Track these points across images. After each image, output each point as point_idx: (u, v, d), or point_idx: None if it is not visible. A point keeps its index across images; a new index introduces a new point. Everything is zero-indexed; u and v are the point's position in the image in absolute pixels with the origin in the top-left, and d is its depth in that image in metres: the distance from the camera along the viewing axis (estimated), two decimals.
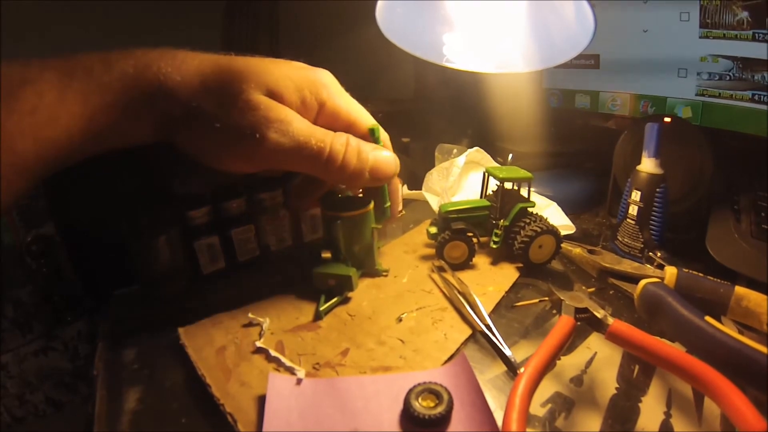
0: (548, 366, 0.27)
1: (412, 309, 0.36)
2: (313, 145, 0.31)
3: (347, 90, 0.35)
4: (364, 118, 0.36)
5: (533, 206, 0.43)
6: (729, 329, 0.27)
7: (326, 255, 0.37)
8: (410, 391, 0.25)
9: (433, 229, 0.44)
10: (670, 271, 0.35)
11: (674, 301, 0.30)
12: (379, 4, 0.37)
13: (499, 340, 0.31)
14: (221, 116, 0.29)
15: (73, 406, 0.70)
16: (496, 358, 0.31)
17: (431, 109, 0.75)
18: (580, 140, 0.67)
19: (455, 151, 0.59)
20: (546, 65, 0.42)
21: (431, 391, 0.25)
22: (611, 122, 0.61)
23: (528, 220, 0.41)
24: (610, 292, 0.39)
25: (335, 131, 0.33)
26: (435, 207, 0.51)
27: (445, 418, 0.24)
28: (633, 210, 0.43)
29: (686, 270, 0.35)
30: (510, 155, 0.64)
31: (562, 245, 0.42)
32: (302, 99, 0.31)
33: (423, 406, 0.25)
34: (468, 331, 0.33)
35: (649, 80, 0.53)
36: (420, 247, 0.47)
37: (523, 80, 0.63)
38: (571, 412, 0.26)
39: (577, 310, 0.31)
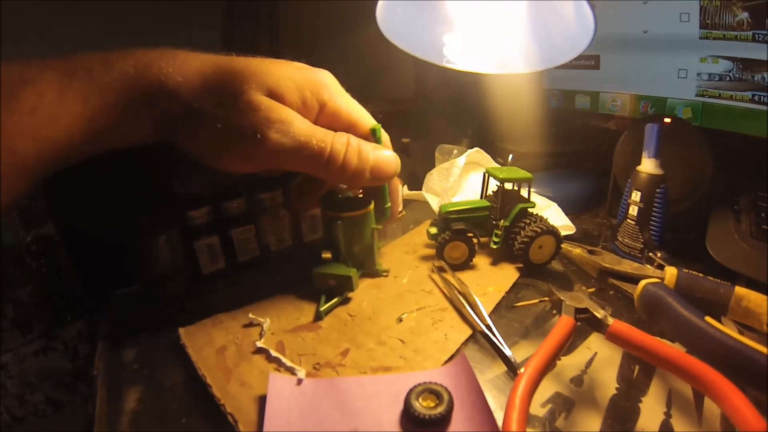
0: (548, 366, 0.27)
1: (412, 309, 0.36)
2: (314, 145, 0.31)
3: (347, 90, 0.35)
4: (364, 118, 0.36)
5: (533, 207, 0.43)
6: (729, 329, 0.27)
7: (326, 255, 0.37)
8: (410, 391, 0.25)
9: (434, 230, 0.44)
10: (670, 272, 0.35)
11: (674, 301, 0.30)
12: (379, 4, 0.37)
13: (499, 340, 0.31)
14: (222, 116, 0.29)
15: (73, 406, 0.70)
16: (496, 359, 0.31)
17: (431, 109, 0.75)
18: (580, 141, 0.67)
19: (455, 151, 0.59)
20: (546, 66, 0.42)
21: (431, 391, 0.25)
22: (611, 123, 0.61)
23: (528, 221, 0.42)
24: (610, 293, 0.39)
25: (336, 132, 0.33)
26: (435, 207, 0.51)
27: (445, 418, 0.24)
28: (633, 210, 0.43)
29: (686, 270, 0.35)
30: (510, 156, 0.64)
31: (562, 246, 0.42)
32: (303, 99, 0.31)
33: (423, 406, 0.25)
34: (468, 332, 0.33)
35: (649, 81, 0.53)
36: (420, 247, 0.47)
37: (523, 81, 0.63)
38: (571, 412, 0.26)
39: (577, 311, 0.31)
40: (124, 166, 0.34)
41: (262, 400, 0.26)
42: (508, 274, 0.42)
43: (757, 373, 0.25)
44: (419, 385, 0.26)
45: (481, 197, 0.47)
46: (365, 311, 0.36)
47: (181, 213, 0.37)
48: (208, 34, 0.76)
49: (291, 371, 0.28)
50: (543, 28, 0.39)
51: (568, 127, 0.67)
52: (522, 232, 0.41)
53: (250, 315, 0.34)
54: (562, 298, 0.32)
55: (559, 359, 0.30)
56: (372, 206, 0.39)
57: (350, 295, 0.38)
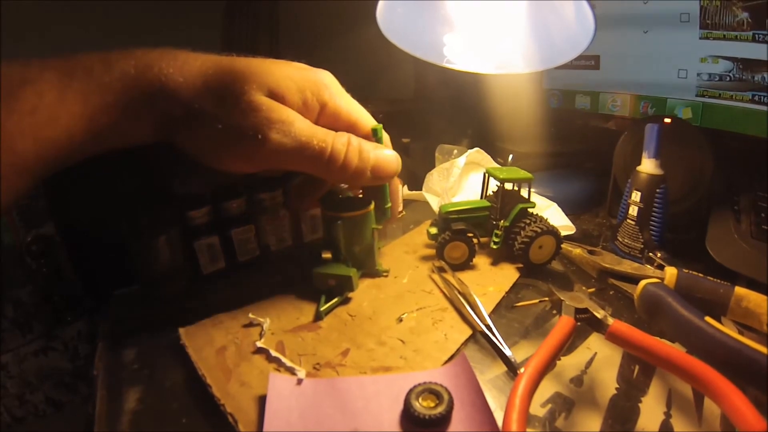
0: (548, 366, 0.27)
1: (412, 309, 0.36)
2: (315, 145, 0.31)
3: (347, 90, 0.35)
4: (365, 118, 0.36)
5: (533, 207, 0.43)
6: (729, 329, 0.27)
7: (326, 255, 0.37)
8: (410, 391, 0.25)
9: (434, 230, 0.44)
10: (670, 272, 0.35)
11: (674, 301, 0.30)
12: (380, 5, 0.37)
13: (499, 340, 0.31)
14: (223, 117, 0.29)
15: (73, 406, 0.70)
16: (496, 359, 0.31)
17: (431, 109, 0.75)
18: (580, 141, 0.67)
19: (455, 151, 0.59)
20: (546, 66, 0.42)
21: (431, 391, 0.25)
22: (611, 123, 0.61)
23: (528, 221, 0.42)
24: (610, 293, 0.39)
25: (336, 132, 0.33)
26: (435, 207, 0.51)
27: (445, 418, 0.24)
28: (633, 210, 0.43)
29: (686, 270, 0.35)
30: (510, 156, 0.64)
31: (562, 246, 0.42)
32: (304, 100, 0.31)
33: (423, 406, 0.25)
34: (468, 332, 0.33)
35: (649, 81, 0.53)
36: (420, 247, 0.47)
37: (523, 81, 0.63)
38: (571, 413, 0.26)
39: (577, 311, 0.31)
40: (124, 166, 0.34)
41: (262, 400, 0.26)
42: (508, 274, 0.42)
43: (757, 373, 0.25)
44: (419, 385, 0.26)
45: (481, 197, 0.47)
46: (365, 311, 0.36)
47: (181, 213, 0.37)
48: (208, 34, 0.76)
49: (291, 371, 0.28)
50: (543, 28, 0.39)
51: (568, 127, 0.67)
52: (522, 232, 0.41)
53: (250, 315, 0.34)
54: (562, 298, 0.32)
55: (559, 359, 0.30)
56: (372, 206, 0.39)
57: (350, 295, 0.38)
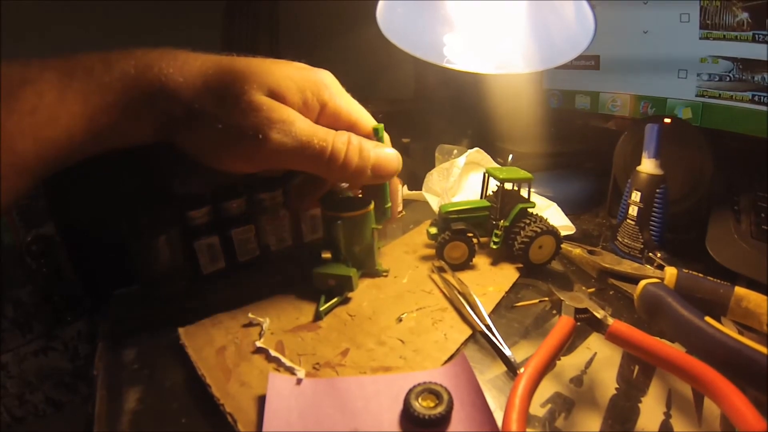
0: (548, 366, 0.27)
1: (412, 309, 0.36)
2: (316, 145, 0.31)
3: (347, 90, 0.35)
4: (365, 118, 0.36)
5: (533, 207, 0.43)
6: (729, 330, 0.27)
7: (326, 255, 0.37)
8: (410, 391, 0.25)
9: (433, 230, 0.44)
10: (670, 272, 0.35)
11: (674, 301, 0.30)
12: (380, 5, 0.37)
13: (499, 340, 0.31)
14: (223, 117, 0.29)
15: (73, 406, 0.70)
16: (496, 359, 0.31)
17: (431, 109, 0.75)
18: (580, 141, 0.67)
19: (455, 151, 0.59)
20: (546, 66, 0.42)
21: (431, 391, 0.25)
22: (611, 123, 0.61)
23: (528, 221, 0.42)
24: (610, 293, 0.39)
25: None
26: (435, 207, 0.51)
27: (445, 418, 0.24)
28: (633, 210, 0.43)
29: (686, 270, 0.35)
30: (510, 156, 0.64)
31: (562, 246, 0.42)
32: (304, 100, 0.31)
33: (423, 406, 0.25)
34: (468, 332, 0.33)
35: (649, 81, 0.53)
36: (420, 247, 0.47)
37: (523, 81, 0.63)
38: (571, 413, 0.26)
39: (577, 311, 0.31)
40: (124, 166, 0.34)
41: (261, 400, 0.26)
42: (508, 274, 0.42)
43: (757, 373, 0.25)
44: (419, 385, 0.26)
45: (481, 197, 0.47)
46: (365, 311, 0.36)
47: (181, 213, 0.37)
48: (208, 34, 0.76)
49: (290, 371, 0.28)
50: (543, 28, 0.39)
51: (568, 127, 0.67)
52: (522, 232, 0.41)
53: (250, 315, 0.34)
54: (562, 298, 0.32)
55: (559, 359, 0.30)
56: (372, 206, 0.39)
57: (350, 295, 0.38)
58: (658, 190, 0.41)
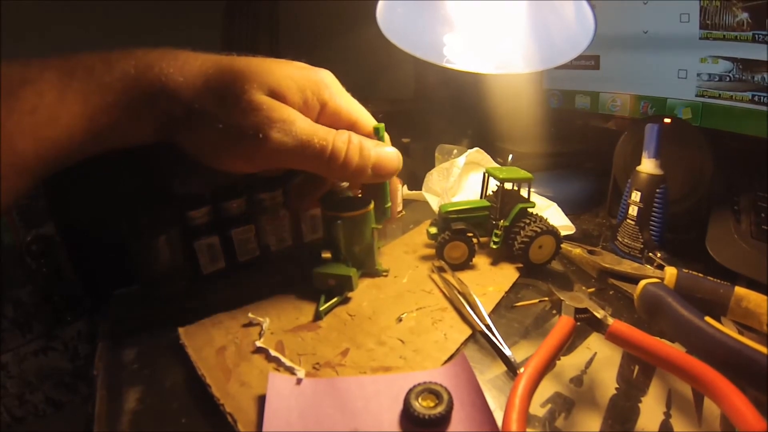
0: (548, 366, 0.27)
1: (412, 309, 0.36)
2: (316, 144, 0.31)
3: (348, 90, 0.35)
4: (365, 118, 0.36)
5: (533, 207, 0.43)
6: (729, 330, 0.27)
7: (326, 255, 0.37)
8: (410, 391, 0.25)
9: (433, 230, 0.44)
10: (670, 272, 0.35)
11: (674, 301, 0.30)
12: (380, 4, 0.37)
13: (499, 340, 0.31)
14: (223, 117, 0.29)
15: (73, 406, 0.70)
16: (496, 358, 0.31)
17: (431, 109, 0.75)
18: (580, 141, 0.67)
19: (455, 151, 0.59)
20: (546, 66, 0.42)
21: (431, 391, 0.25)
22: (611, 123, 0.61)
23: (528, 221, 0.42)
24: (610, 293, 0.39)
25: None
26: (435, 207, 0.51)
27: (445, 418, 0.24)
28: (633, 210, 0.43)
29: (686, 270, 0.35)
30: (510, 156, 0.64)
31: (562, 246, 0.42)
32: (304, 99, 0.31)
33: (423, 406, 0.25)
34: (468, 331, 0.33)
35: (649, 81, 0.53)
36: (420, 247, 0.47)
37: (523, 81, 0.63)
38: (571, 412, 0.26)
39: (577, 311, 0.31)
40: (124, 166, 0.34)
41: (261, 400, 0.26)
42: (508, 274, 0.42)
43: (757, 373, 0.25)
44: (419, 385, 0.26)
45: (481, 197, 0.47)
46: (365, 311, 0.36)
47: (181, 213, 0.37)
48: (208, 34, 0.76)
49: (290, 371, 0.28)
50: (543, 28, 0.39)
51: (568, 127, 0.67)
52: (522, 232, 0.41)
53: (250, 315, 0.34)
54: (562, 298, 0.32)
55: (559, 359, 0.30)
56: (372, 206, 0.39)
57: (350, 294, 0.38)
58: (658, 190, 0.41)
